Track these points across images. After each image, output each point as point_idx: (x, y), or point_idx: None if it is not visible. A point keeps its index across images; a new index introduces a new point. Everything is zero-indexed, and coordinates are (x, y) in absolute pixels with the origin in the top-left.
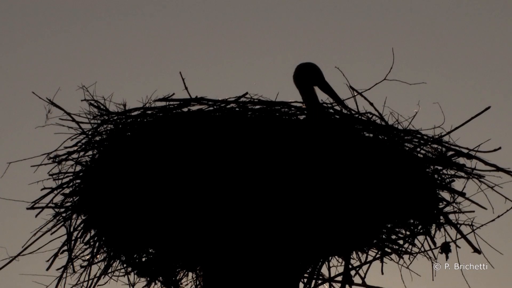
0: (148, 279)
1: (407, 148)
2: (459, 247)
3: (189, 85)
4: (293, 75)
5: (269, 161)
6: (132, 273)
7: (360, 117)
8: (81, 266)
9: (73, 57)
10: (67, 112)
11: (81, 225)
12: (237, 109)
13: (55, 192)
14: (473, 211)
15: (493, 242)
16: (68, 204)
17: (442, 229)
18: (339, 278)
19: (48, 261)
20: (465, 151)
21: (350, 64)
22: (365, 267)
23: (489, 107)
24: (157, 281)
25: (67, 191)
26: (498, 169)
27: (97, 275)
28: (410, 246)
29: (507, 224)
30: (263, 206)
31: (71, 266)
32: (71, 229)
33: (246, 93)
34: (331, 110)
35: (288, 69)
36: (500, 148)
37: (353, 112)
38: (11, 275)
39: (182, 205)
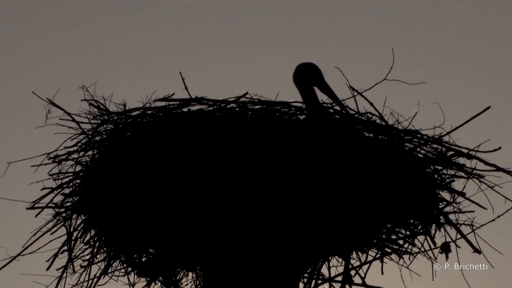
0: (148, 279)
1: (407, 148)
2: (459, 247)
3: (189, 85)
4: (293, 75)
5: (269, 161)
6: (132, 273)
7: (360, 117)
8: (81, 266)
9: (73, 57)
10: (67, 112)
11: (81, 225)
12: (237, 109)
13: (55, 192)
14: (473, 211)
15: (493, 242)
16: (68, 204)
17: (442, 229)
18: (339, 278)
19: (48, 261)
20: (465, 151)
21: (350, 64)
22: (365, 267)
23: (489, 107)
24: (157, 281)
25: (67, 191)
26: (498, 169)
27: (97, 275)
28: (410, 246)
29: (507, 224)
30: (263, 206)
31: (71, 266)
32: (71, 229)
33: (246, 93)
34: (331, 110)
35: (288, 69)
36: (500, 148)
37: (353, 112)
38: (11, 275)
39: (182, 205)
